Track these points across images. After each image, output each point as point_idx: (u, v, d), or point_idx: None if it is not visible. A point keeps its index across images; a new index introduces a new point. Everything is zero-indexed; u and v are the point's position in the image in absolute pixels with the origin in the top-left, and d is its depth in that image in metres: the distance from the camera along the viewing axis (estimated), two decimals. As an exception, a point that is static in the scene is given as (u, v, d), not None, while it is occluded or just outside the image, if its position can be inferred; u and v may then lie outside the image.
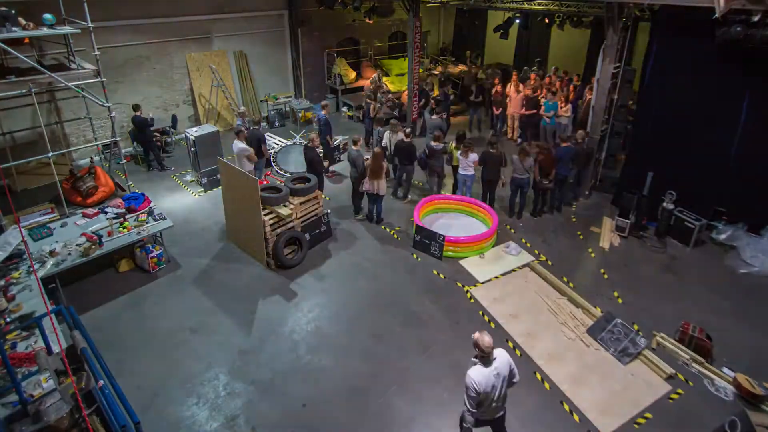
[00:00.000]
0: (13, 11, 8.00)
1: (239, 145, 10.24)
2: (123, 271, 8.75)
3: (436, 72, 19.79)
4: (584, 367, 6.78)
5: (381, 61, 19.62)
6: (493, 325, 7.61)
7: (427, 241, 9.29)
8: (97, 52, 9.22)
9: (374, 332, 7.46)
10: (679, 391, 6.47)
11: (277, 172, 12.50)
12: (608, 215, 10.60)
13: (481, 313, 7.86)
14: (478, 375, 4.70)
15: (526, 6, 12.99)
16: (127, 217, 8.90)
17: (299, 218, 9.17)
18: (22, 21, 8.15)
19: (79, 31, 9.02)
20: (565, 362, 6.87)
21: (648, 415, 6.12)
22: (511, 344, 7.21)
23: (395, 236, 9.98)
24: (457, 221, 10.35)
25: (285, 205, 8.91)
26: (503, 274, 8.75)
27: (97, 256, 7.98)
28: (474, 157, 10.19)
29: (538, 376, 6.70)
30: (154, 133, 13.10)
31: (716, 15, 7.44)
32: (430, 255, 9.28)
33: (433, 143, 10.56)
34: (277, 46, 16.84)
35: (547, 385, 6.56)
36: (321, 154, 11.57)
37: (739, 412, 5.74)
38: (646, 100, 10.17)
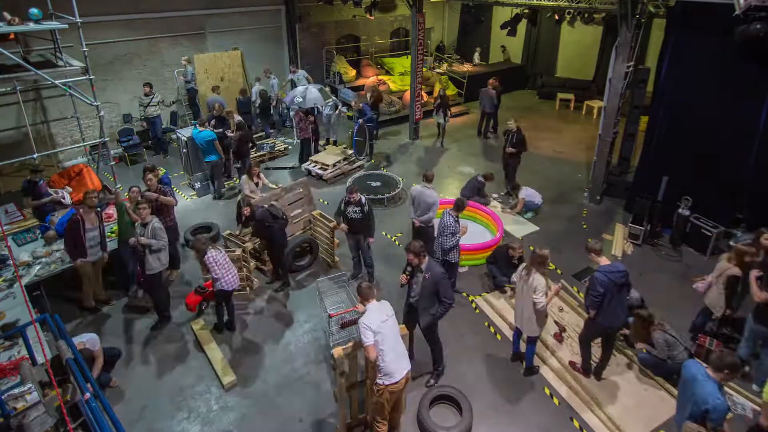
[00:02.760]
0: (-2, 5, 8.06)
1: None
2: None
3: (440, 70, 19.86)
4: (595, 381, 6.77)
5: (382, 59, 19.70)
6: (499, 336, 7.62)
7: None
8: (85, 49, 9.25)
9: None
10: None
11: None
12: (620, 222, 10.63)
13: (486, 324, 7.88)
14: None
15: (534, 2, 13.05)
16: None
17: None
18: (7, 15, 8.20)
19: (66, 26, 9.05)
20: (575, 376, 6.87)
21: (662, 432, 6.12)
22: (524, 363, 7.22)
23: (396, 242, 9.99)
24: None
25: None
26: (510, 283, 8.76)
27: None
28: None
29: (547, 390, 6.70)
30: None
31: (737, 12, 7.46)
32: None
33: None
34: (273, 42, 16.94)
35: (556, 401, 6.56)
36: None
37: None
38: (660, 101, 10.19)
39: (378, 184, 11.95)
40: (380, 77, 18.25)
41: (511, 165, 11.63)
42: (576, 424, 6.22)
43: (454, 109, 17.94)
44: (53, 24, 9.01)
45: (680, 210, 9.54)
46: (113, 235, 8.52)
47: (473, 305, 8.26)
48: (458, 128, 16.49)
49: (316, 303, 8.24)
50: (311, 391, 6.69)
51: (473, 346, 7.43)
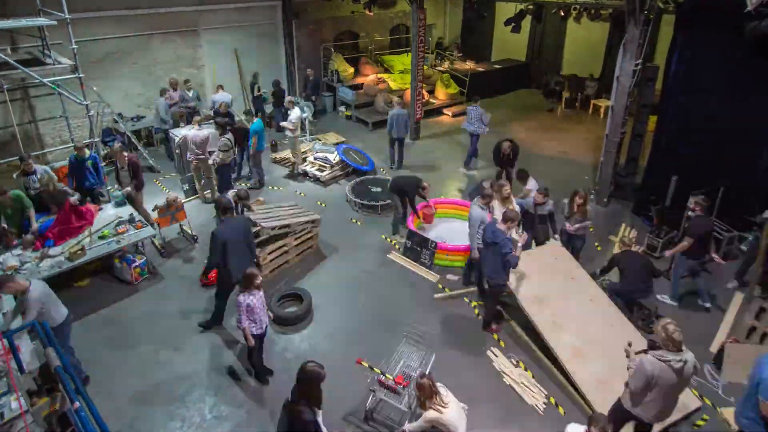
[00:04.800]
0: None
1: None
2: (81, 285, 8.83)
3: (442, 68, 19.90)
4: (606, 380, 6.70)
5: (382, 57, 19.74)
6: (503, 344, 7.63)
7: (418, 247, 9.31)
8: (74, 46, 9.28)
9: (373, 351, 7.44)
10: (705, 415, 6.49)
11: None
12: (628, 225, 10.66)
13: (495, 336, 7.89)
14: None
15: (539, -3, 13.16)
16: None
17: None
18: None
19: (55, 23, 9.09)
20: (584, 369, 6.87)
21: (672, 440, 6.12)
22: (522, 365, 7.23)
23: (396, 246, 10.00)
24: (459, 227, 10.42)
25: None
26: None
27: (84, 262, 8.17)
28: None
29: (552, 400, 6.71)
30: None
31: (748, 8, 7.49)
32: (420, 264, 9.29)
33: None
34: (269, 39, 16.96)
35: (561, 410, 6.56)
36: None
37: None
38: (669, 99, 10.21)
39: (379, 189, 11.93)
40: (380, 75, 18.28)
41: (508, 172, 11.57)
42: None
43: (456, 109, 18.01)
44: (41, 20, 9.05)
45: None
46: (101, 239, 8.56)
47: (476, 311, 8.28)
48: (461, 128, 16.50)
49: (312, 311, 8.25)
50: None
51: (474, 354, 7.45)
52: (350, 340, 7.68)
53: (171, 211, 9.38)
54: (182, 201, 10.44)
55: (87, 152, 9.75)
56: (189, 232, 10.13)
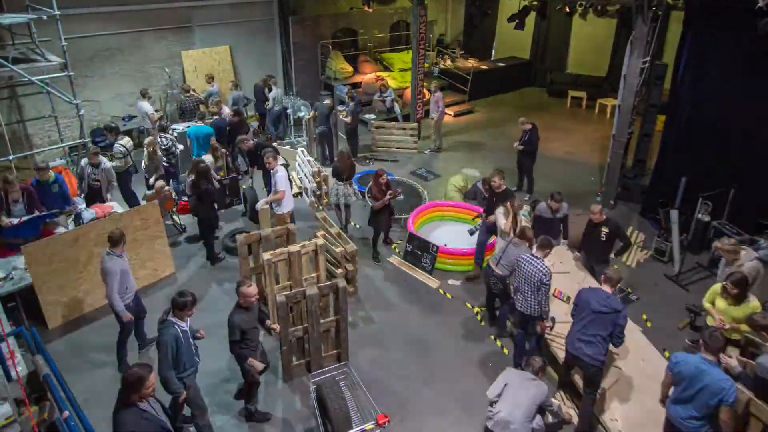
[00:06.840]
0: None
1: None
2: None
3: (444, 66, 19.92)
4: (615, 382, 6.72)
5: (381, 55, 19.75)
6: (506, 350, 7.63)
7: (419, 251, 9.30)
8: (64, 43, 9.30)
9: (372, 359, 7.47)
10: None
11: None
12: (635, 228, 10.68)
13: (492, 337, 7.90)
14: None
15: (544, -7, 13.19)
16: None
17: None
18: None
19: (44, 17, 9.11)
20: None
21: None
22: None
23: (396, 250, 10.00)
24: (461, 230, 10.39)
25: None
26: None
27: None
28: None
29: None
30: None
31: (759, 4, 7.51)
32: (420, 268, 9.29)
33: None
34: (265, 37, 16.96)
35: (568, 419, 6.57)
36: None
37: None
38: (678, 98, 10.23)
39: (400, 197, 11.04)
40: (379, 74, 18.27)
41: (525, 165, 11.62)
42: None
43: (457, 108, 18.01)
44: (30, 16, 9.06)
45: (699, 215, 9.55)
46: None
47: (478, 317, 8.28)
48: (463, 128, 16.55)
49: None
50: (301, 409, 6.69)
51: (476, 361, 7.45)
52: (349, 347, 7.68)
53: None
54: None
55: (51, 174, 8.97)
56: (178, 221, 10.30)
